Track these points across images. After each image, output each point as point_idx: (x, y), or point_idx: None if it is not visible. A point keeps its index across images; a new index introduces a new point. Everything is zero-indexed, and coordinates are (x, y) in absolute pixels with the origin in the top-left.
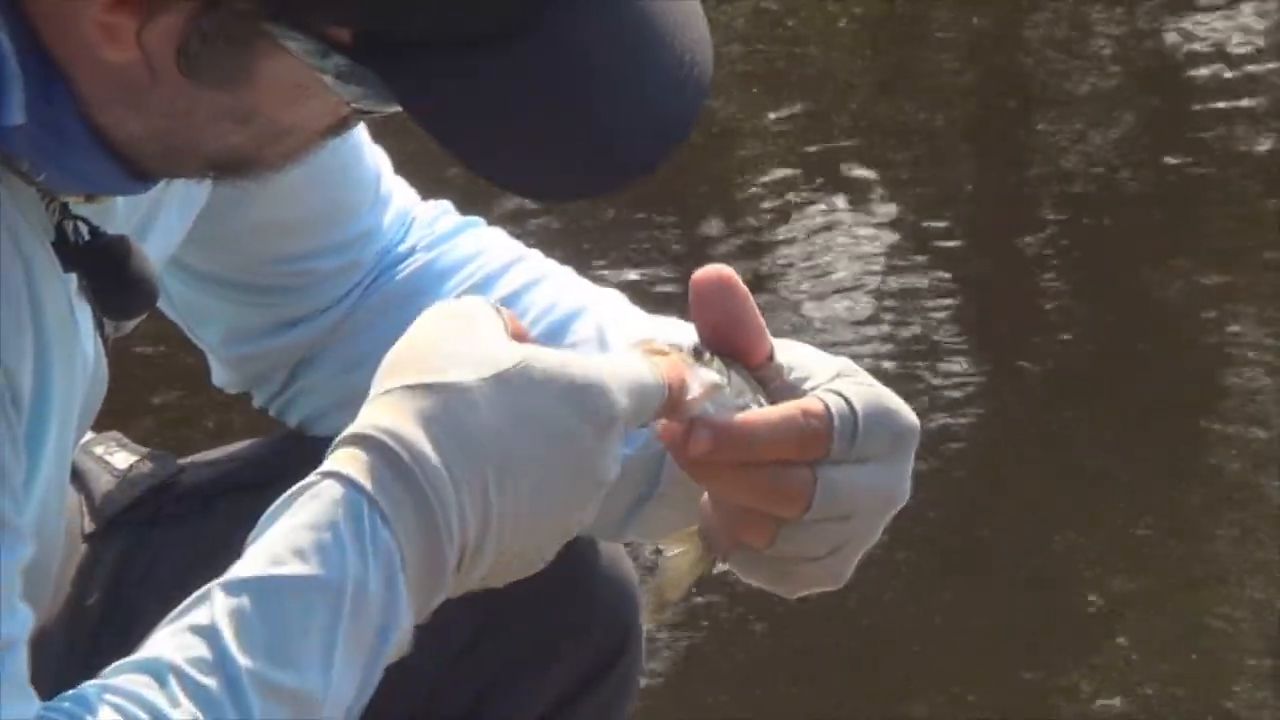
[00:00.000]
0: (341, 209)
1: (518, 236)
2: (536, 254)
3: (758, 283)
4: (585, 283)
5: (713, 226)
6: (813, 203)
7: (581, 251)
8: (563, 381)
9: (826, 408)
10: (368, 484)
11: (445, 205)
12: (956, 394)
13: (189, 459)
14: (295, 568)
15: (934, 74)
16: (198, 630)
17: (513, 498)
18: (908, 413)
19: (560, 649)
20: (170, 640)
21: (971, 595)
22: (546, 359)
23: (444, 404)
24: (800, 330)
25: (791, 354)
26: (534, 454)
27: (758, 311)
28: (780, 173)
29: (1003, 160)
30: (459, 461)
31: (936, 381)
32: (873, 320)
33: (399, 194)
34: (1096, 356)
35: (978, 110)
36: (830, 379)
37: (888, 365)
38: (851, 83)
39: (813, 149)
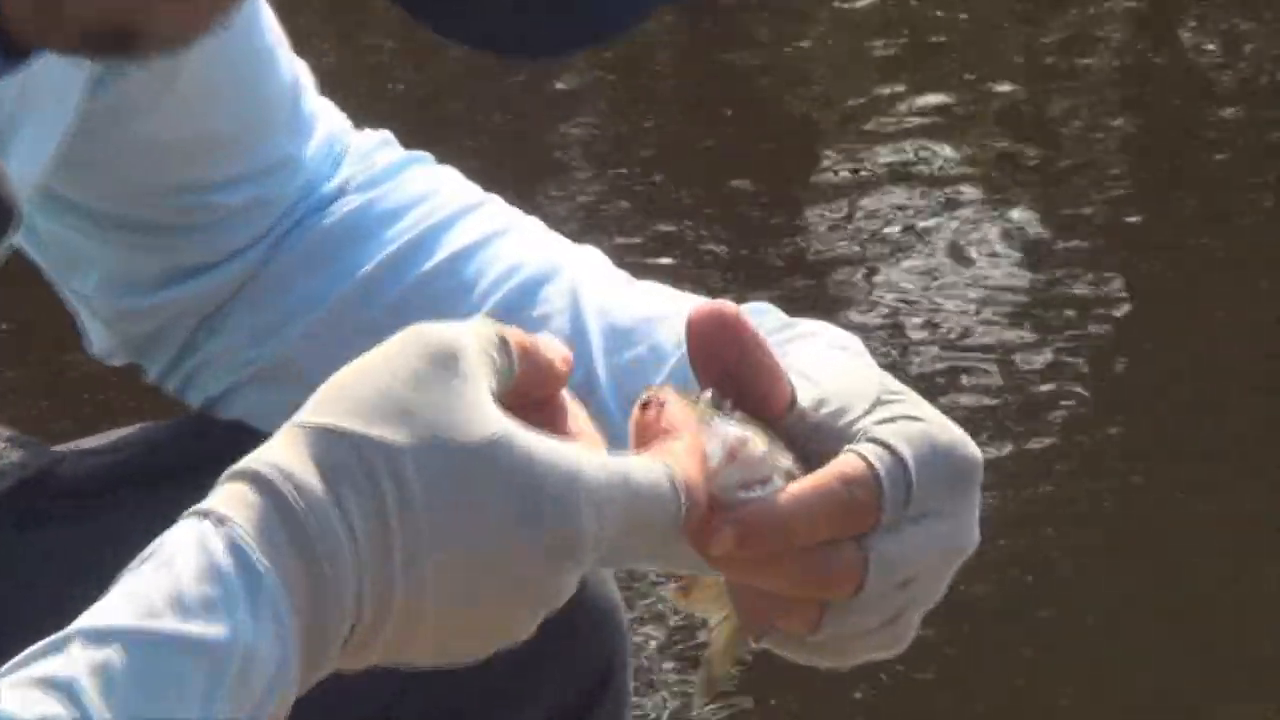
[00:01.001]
0: (250, 130)
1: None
2: (498, 200)
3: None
4: (557, 237)
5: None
6: None
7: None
8: (523, 480)
9: (870, 467)
10: (253, 534)
11: (385, 135)
12: None
13: (66, 447)
14: (174, 623)
15: None
16: (53, 685)
17: (420, 590)
18: (966, 446)
19: (537, 682)
20: (14, 695)
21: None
22: (520, 446)
23: (362, 462)
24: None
25: (814, 378)
26: (459, 555)
27: (769, 348)
28: None
29: None
30: (364, 527)
31: None
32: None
33: (325, 118)
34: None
35: None
36: (867, 412)
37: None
38: None
39: None
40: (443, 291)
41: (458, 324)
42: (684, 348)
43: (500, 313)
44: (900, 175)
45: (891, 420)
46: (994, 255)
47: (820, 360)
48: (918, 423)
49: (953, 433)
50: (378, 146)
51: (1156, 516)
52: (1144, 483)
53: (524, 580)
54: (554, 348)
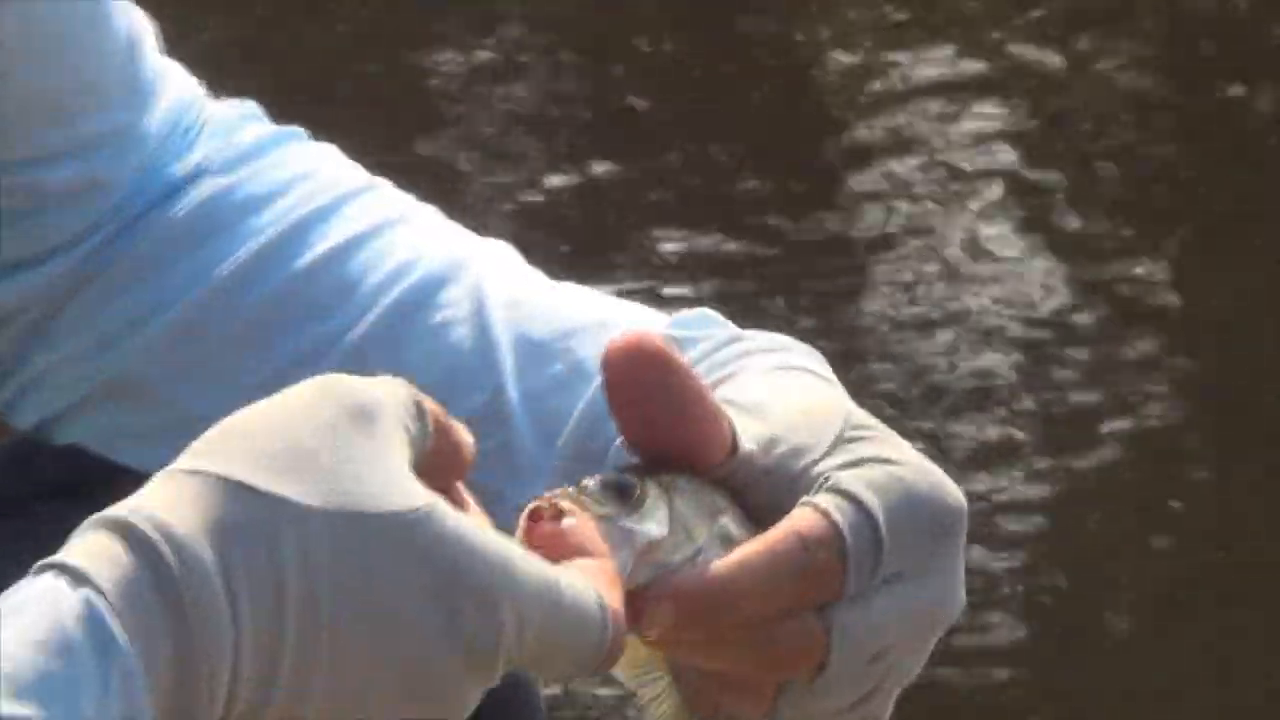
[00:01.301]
0: (74, 93)
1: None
2: (387, 184)
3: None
4: (458, 229)
5: None
6: None
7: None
8: (446, 567)
9: (832, 523)
10: (117, 599)
11: (249, 107)
12: None
13: None
14: (10, 706)
15: None
16: None
17: (306, 682)
18: (947, 492)
19: None
20: None
21: None
22: (448, 526)
23: (260, 520)
24: None
25: (764, 411)
26: (359, 653)
27: (699, 383)
28: None
29: None
30: (252, 600)
31: None
32: None
33: (172, 84)
34: None
35: None
36: (828, 453)
37: None
38: None
39: None
40: (321, 293)
41: (373, 379)
42: None
43: (392, 319)
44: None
45: (856, 463)
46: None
47: (772, 388)
48: (888, 465)
49: (931, 476)
50: (240, 120)
51: None
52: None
53: (435, 685)
54: (465, 431)
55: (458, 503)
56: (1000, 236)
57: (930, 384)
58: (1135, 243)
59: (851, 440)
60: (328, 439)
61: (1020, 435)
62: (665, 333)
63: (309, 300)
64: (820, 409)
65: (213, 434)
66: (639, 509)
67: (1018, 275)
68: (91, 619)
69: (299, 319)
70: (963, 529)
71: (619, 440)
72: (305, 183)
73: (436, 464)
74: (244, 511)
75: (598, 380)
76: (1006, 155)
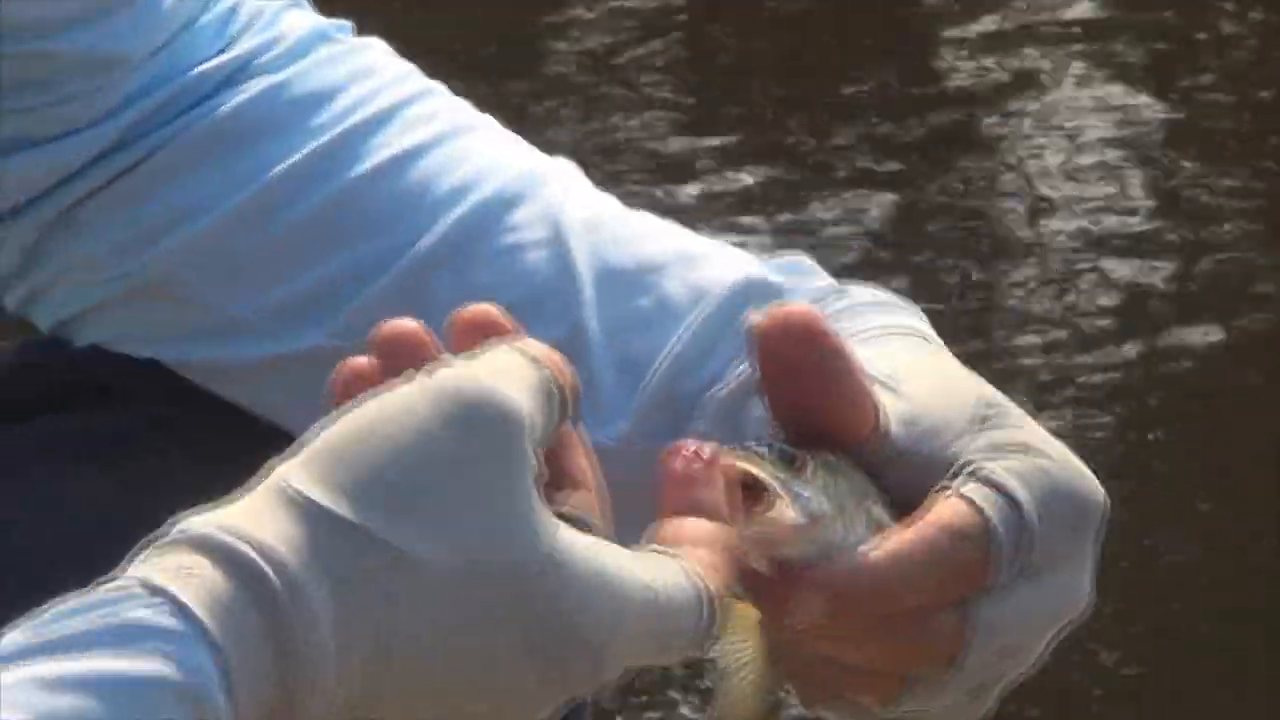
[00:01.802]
0: None
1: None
2: (445, 90)
3: None
4: (523, 142)
5: None
6: None
7: None
8: (563, 621)
9: (982, 516)
10: (219, 633)
11: None
12: None
13: None
14: None
15: None
16: None
17: (402, 713)
18: (1091, 486)
19: None
20: None
21: None
22: (564, 574)
23: (376, 570)
24: None
25: (898, 386)
26: (465, 685)
27: (852, 359)
28: None
29: None
30: (360, 652)
31: None
32: None
33: None
34: None
35: None
36: (968, 433)
37: None
38: None
39: None
40: (381, 203)
41: (496, 362)
42: (703, 306)
43: (459, 237)
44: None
45: (1000, 450)
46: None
47: (904, 360)
48: (1034, 456)
49: (1073, 467)
50: (283, 9)
51: None
52: None
53: (517, 702)
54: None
55: (568, 443)
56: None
57: None
58: None
59: (989, 420)
60: (448, 473)
61: None
62: (774, 280)
63: (368, 210)
64: (955, 386)
65: (321, 451)
66: (806, 480)
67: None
68: (182, 658)
69: (356, 230)
70: (1100, 524)
71: (717, 389)
72: (364, 82)
73: (561, 435)
74: (359, 558)
75: (688, 319)
76: None
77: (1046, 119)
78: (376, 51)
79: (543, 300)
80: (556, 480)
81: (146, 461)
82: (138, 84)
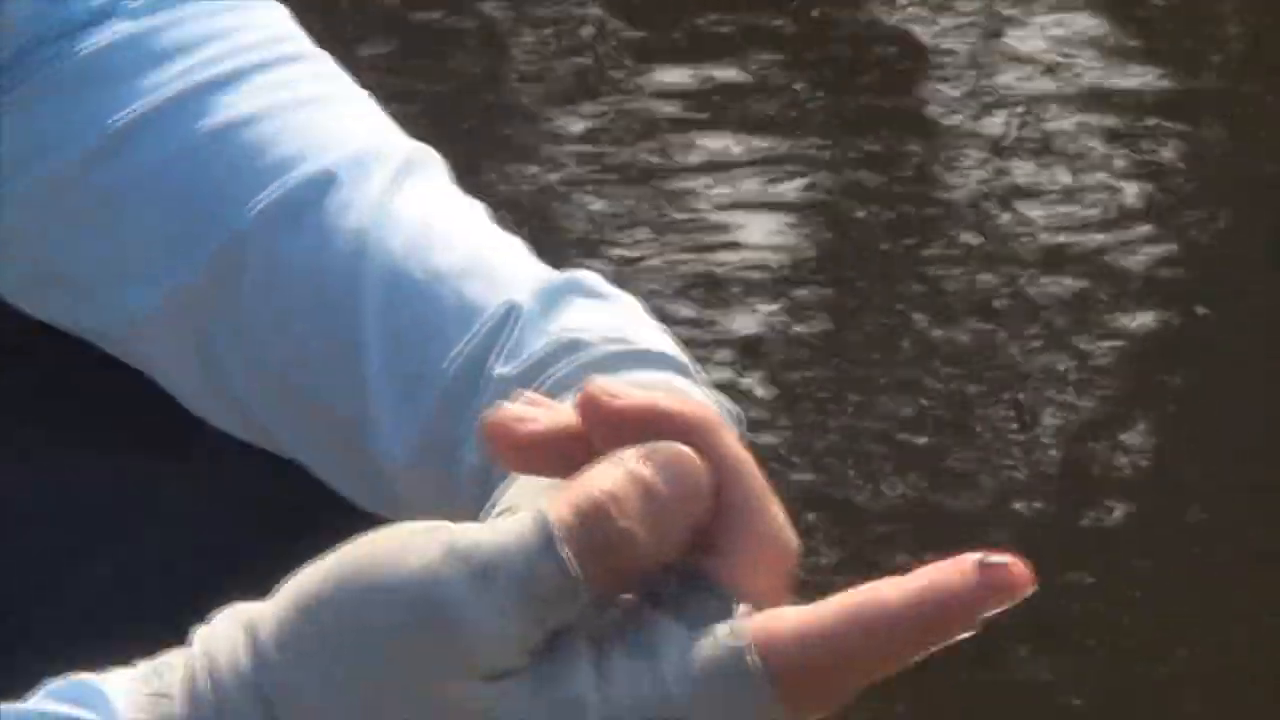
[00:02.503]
0: None
1: None
2: (327, 58)
3: None
4: (382, 122)
5: None
6: None
7: None
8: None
9: None
10: None
11: None
12: None
13: None
14: None
15: None
16: None
17: None
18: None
19: None
20: None
21: None
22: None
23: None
24: None
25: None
26: None
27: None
28: None
29: None
30: None
31: None
32: None
33: None
34: None
35: None
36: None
37: None
38: None
39: None
40: (212, 167)
41: (484, 572)
42: (479, 325)
43: (277, 211)
44: None
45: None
46: None
47: None
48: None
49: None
50: None
51: None
52: None
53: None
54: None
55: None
56: None
57: None
58: None
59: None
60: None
61: None
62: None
63: (198, 173)
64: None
65: (297, 611)
66: None
67: None
68: None
69: (186, 191)
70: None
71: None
72: (223, 41)
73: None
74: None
75: (466, 337)
76: None
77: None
78: (260, 12)
79: (334, 302)
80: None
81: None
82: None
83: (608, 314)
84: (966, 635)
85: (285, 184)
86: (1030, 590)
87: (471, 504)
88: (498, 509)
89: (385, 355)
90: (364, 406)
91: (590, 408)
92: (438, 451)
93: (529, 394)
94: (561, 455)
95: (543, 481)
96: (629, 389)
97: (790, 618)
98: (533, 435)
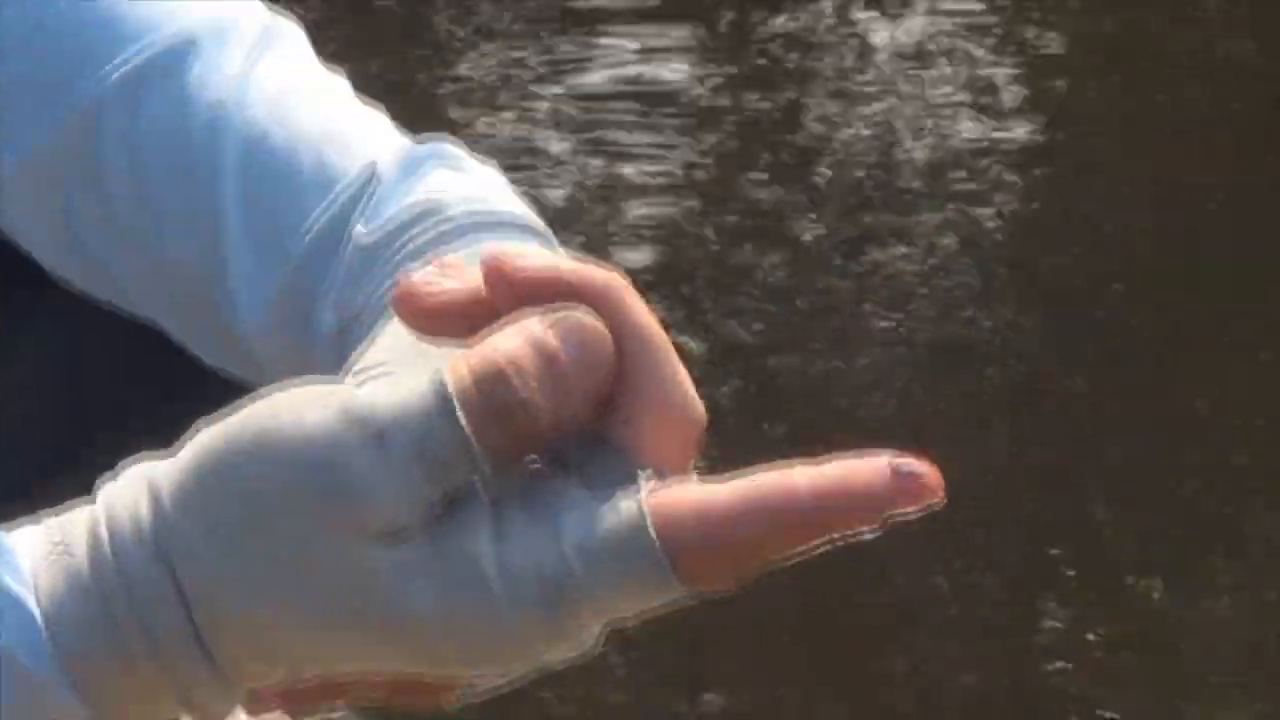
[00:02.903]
0: None
1: None
2: None
3: None
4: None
5: None
6: None
7: None
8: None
9: None
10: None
11: None
12: None
13: None
14: None
15: None
16: None
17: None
18: None
19: None
20: None
21: None
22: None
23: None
24: None
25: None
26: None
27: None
28: None
29: None
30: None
31: None
32: None
33: None
34: None
35: None
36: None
37: None
38: None
39: None
40: (62, 38)
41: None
42: (338, 192)
43: (134, 79)
44: None
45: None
46: None
47: None
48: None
49: None
50: None
51: None
52: None
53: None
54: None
55: None
56: None
57: None
58: None
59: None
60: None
61: None
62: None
63: (60, 38)
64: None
65: (197, 468)
66: None
67: None
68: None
69: (48, 55)
70: None
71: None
72: None
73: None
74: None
75: (323, 204)
76: None
77: None
78: None
79: (193, 166)
80: None
81: None
82: None
83: (468, 181)
84: (869, 533)
85: (145, 49)
86: (940, 500)
87: (328, 367)
88: (357, 369)
89: (243, 219)
90: (222, 269)
91: (495, 274)
92: (295, 314)
93: (442, 259)
94: (468, 319)
95: (410, 343)
96: (535, 255)
97: (693, 495)
98: (440, 302)
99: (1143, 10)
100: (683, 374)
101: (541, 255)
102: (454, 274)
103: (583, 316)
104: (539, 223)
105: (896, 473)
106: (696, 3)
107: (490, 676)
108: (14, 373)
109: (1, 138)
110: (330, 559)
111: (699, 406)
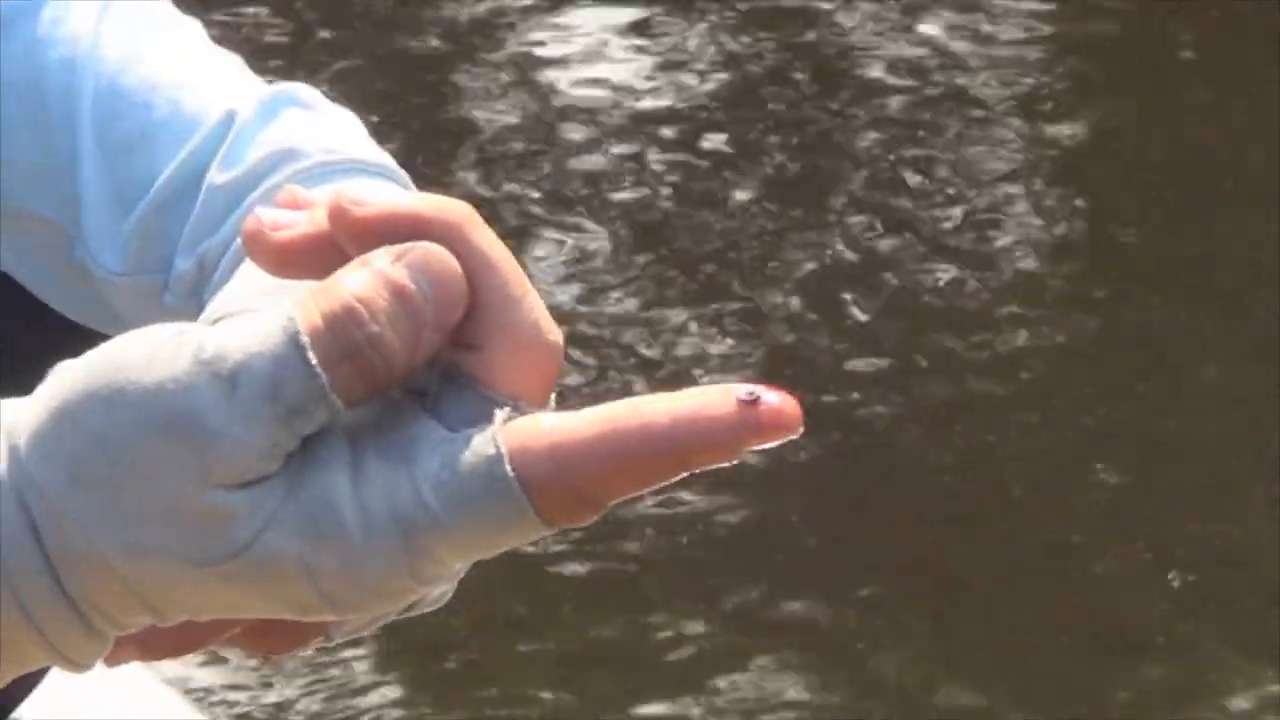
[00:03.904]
0: None
1: None
2: None
3: None
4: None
5: None
6: None
7: None
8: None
9: None
10: None
11: None
12: None
13: None
14: None
15: None
16: None
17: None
18: None
19: None
20: None
21: None
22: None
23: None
24: None
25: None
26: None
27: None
28: None
29: None
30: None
31: None
32: None
33: None
34: None
35: None
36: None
37: None
38: None
39: None
40: None
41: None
42: (194, 139)
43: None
44: None
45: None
46: None
47: None
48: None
49: None
50: None
51: None
52: None
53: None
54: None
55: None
56: None
57: None
58: None
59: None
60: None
61: None
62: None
63: None
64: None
65: (52, 413)
66: None
67: None
68: None
69: None
70: None
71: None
72: None
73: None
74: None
75: (179, 151)
76: None
77: None
78: None
79: (47, 112)
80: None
81: None
82: None
83: (324, 126)
84: (725, 464)
85: None
86: (798, 431)
87: (187, 312)
88: (214, 314)
89: (99, 164)
90: (77, 215)
91: (337, 214)
92: (151, 259)
93: (291, 197)
94: (319, 258)
95: (269, 285)
96: (376, 195)
97: (548, 428)
98: (288, 238)
99: None
100: (536, 301)
101: (384, 193)
102: (304, 211)
103: (430, 248)
104: (394, 166)
105: (753, 404)
106: None
107: (354, 620)
108: None
109: None
110: (185, 504)
111: (555, 334)
